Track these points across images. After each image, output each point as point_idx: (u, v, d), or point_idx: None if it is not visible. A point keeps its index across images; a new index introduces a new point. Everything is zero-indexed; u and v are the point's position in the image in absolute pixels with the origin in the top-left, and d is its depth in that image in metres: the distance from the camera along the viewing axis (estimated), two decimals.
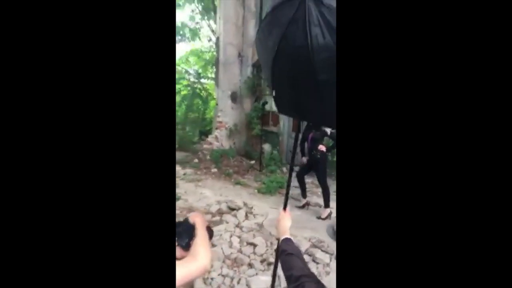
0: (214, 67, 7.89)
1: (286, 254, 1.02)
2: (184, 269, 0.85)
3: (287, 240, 1.10)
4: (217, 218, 3.38)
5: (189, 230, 1.06)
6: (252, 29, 6.62)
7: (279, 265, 1.06)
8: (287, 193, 1.39)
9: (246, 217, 3.47)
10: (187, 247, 1.02)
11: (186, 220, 1.08)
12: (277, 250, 1.34)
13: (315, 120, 1.24)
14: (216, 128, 6.75)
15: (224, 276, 2.27)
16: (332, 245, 2.75)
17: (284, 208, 1.26)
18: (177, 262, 0.89)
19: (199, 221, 1.04)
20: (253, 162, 6.14)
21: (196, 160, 6.06)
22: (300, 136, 3.37)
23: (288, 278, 0.95)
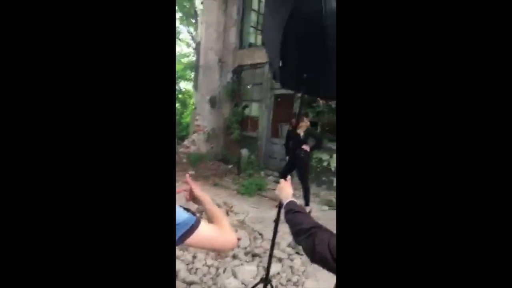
0: (193, 71, 7.86)
1: (293, 212, 1.05)
2: (223, 236, 0.77)
3: (292, 201, 1.12)
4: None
5: None
6: (233, 36, 6.75)
7: (283, 225, 1.07)
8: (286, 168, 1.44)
9: (227, 214, 3.43)
10: None
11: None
12: (278, 214, 1.36)
13: (319, 91, 1.30)
14: (194, 132, 6.66)
15: (209, 266, 2.22)
16: None
17: (285, 178, 1.28)
18: (210, 225, 0.78)
19: (207, 198, 0.92)
20: (230, 166, 6.11)
21: None
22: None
23: (298, 232, 0.97)
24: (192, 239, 0.71)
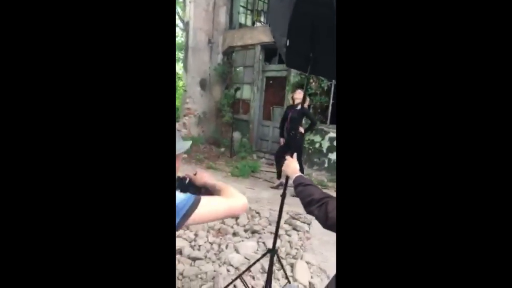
0: (182, 52, 7.67)
1: (303, 185, 1.11)
2: (227, 203, 0.80)
3: (300, 176, 1.19)
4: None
5: (188, 187, 0.99)
6: (222, 16, 6.59)
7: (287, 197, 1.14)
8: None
9: None
10: None
11: (184, 178, 1.02)
12: (284, 189, 1.43)
13: (325, 71, 1.34)
14: (185, 115, 6.59)
15: (211, 243, 2.30)
16: (308, 217, 2.94)
17: (291, 156, 1.34)
18: (217, 197, 0.83)
19: (210, 178, 1.00)
20: (222, 149, 6.14)
21: None
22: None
23: (309, 203, 1.04)
24: (199, 213, 0.72)
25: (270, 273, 1.40)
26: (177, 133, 0.87)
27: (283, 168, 1.30)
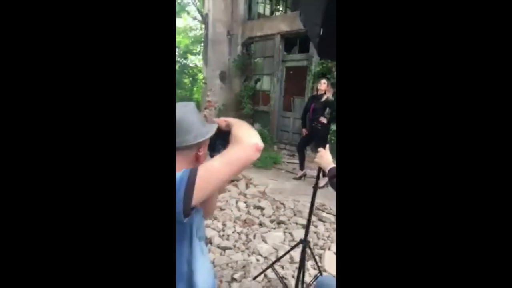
0: (201, 45, 7.72)
1: None
2: (231, 157, 0.68)
3: (335, 167, 1.18)
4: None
5: (221, 136, 0.86)
6: (241, 7, 6.53)
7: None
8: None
9: (247, 186, 3.55)
10: None
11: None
12: (316, 181, 1.43)
13: None
14: (205, 108, 6.67)
15: (239, 233, 2.35)
16: (334, 208, 2.92)
17: (322, 147, 1.33)
18: (217, 158, 0.71)
19: (230, 119, 0.84)
20: None
21: None
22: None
23: None
24: (201, 183, 0.64)
25: (302, 263, 1.42)
26: (203, 118, 0.82)
27: (316, 159, 1.29)
